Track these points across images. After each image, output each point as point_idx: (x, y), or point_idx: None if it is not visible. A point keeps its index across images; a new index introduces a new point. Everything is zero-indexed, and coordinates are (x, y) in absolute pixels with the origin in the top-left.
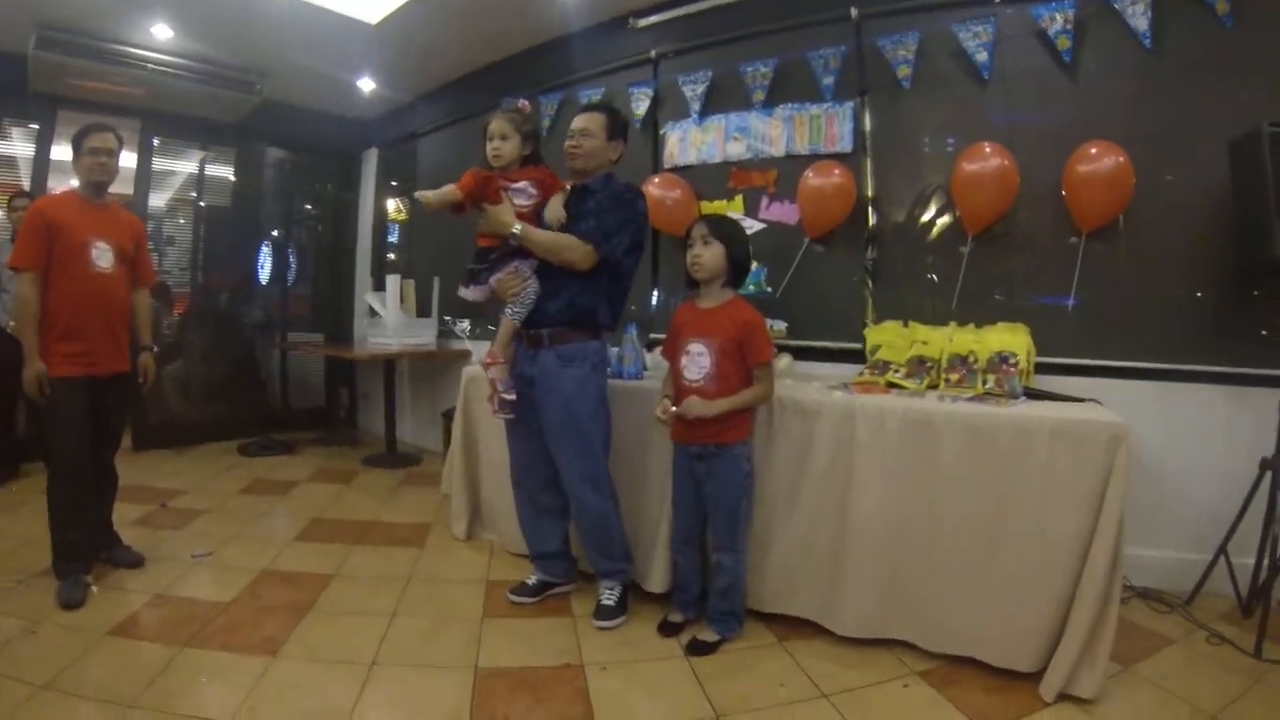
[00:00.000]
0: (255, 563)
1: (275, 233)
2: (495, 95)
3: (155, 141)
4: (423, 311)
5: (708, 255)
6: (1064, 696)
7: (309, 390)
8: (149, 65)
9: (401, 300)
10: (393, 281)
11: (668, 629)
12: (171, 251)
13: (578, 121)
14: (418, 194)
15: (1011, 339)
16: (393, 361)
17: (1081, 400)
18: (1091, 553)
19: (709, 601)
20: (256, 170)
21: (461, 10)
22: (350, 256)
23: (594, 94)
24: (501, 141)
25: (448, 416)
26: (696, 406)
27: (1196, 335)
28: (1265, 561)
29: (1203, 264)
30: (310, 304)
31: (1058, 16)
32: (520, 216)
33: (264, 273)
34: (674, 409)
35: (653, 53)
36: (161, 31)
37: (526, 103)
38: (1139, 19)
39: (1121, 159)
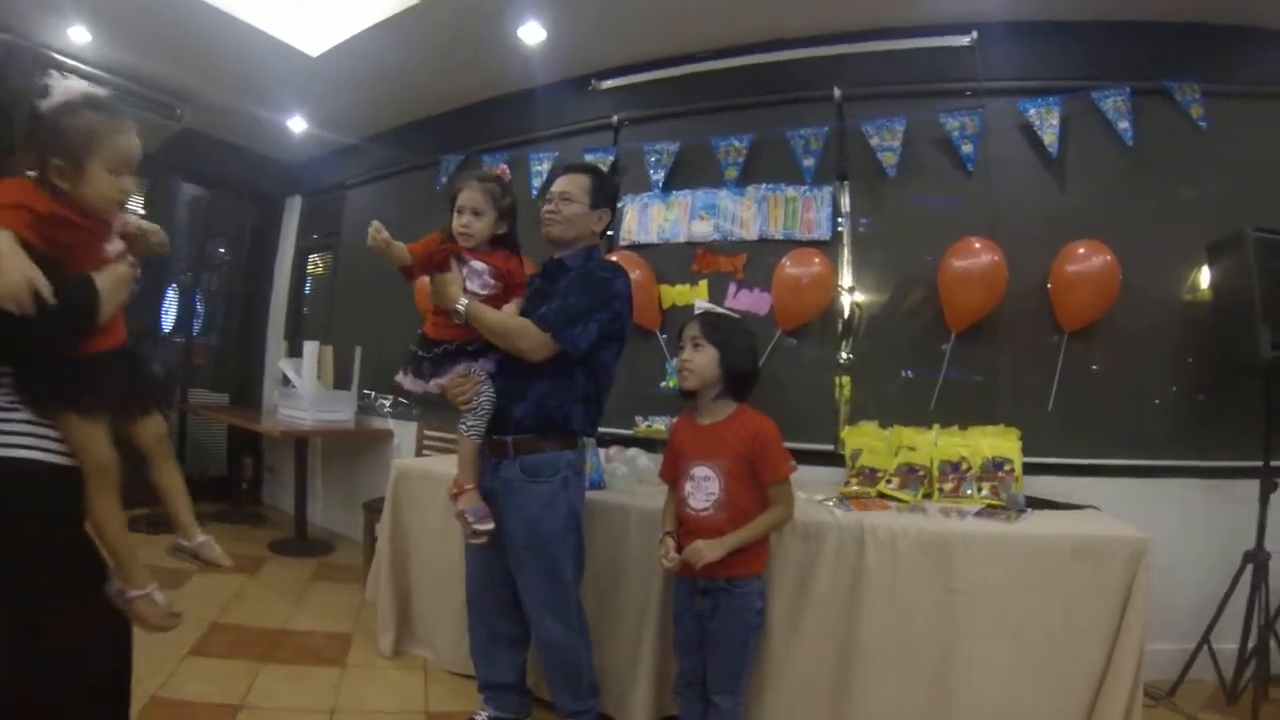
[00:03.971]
0: (141, 687)
1: (182, 276)
2: (437, 149)
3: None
4: (341, 383)
5: (698, 361)
6: None
7: (210, 456)
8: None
9: (319, 369)
10: (310, 349)
11: None
12: None
13: (558, 184)
14: (374, 223)
15: (1003, 443)
16: (305, 439)
17: (1082, 508)
18: (1111, 673)
19: None
20: (168, 206)
21: (412, 51)
22: (264, 311)
23: (545, 157)
24: (473, 217)
25: (371, 509)
26: (704, 552)
27: (1176, 431)
28: (1250, 650)
29: (1180, 362)
30: (216, 358)
31: (1044, 112)
32: None
33: (167, 319)
34: (678, 557)
35: (614, 118)
36: (79, 35)
37: (506, 169)
38: (1122, 119)
39: (1109, 258)
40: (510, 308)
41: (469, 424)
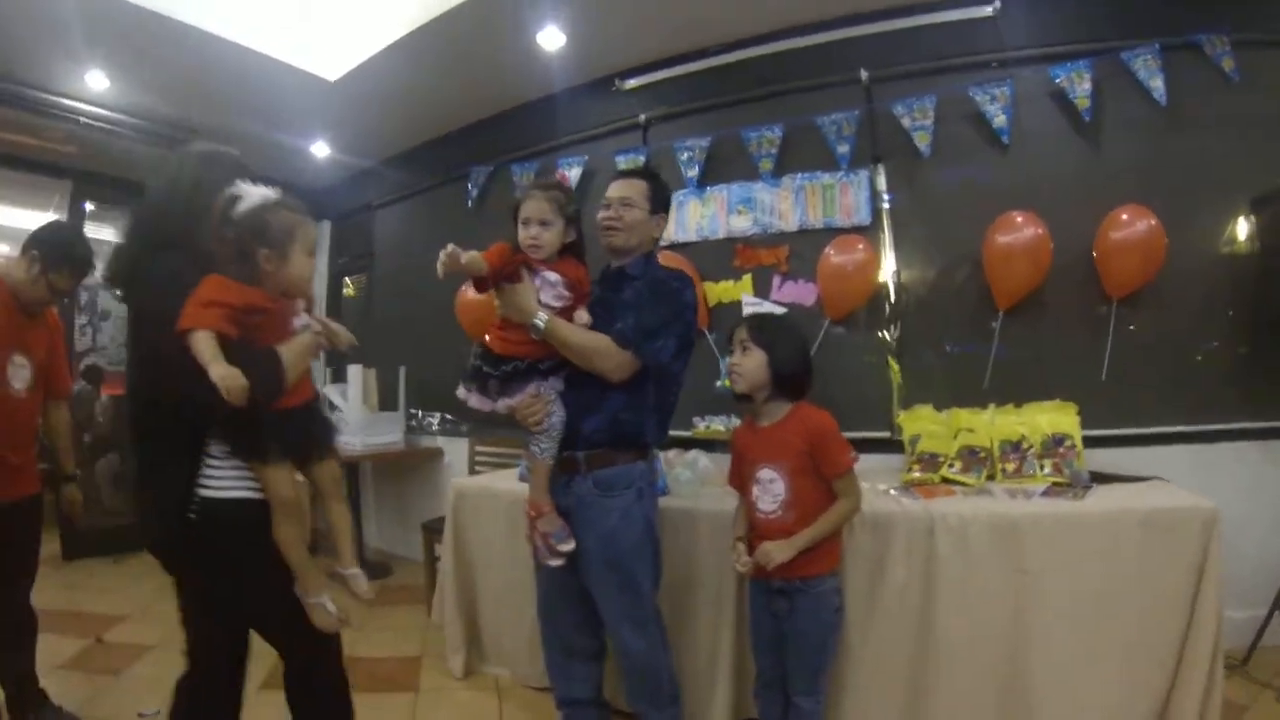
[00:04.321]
0: None
1: None
2: (465, 162)
3: (88, 206)
4: (386, 404)
5: (747, 365)
6: None
7: None
8: (82, 119)
9: (364, 392)
10: (355, 373)
11: None
12: (107, 327)
13: (616, 189)
14: (449, 247)
15: (1062, 419)
16: (355, 463)
17: (1147, 479)
18: (1190, 644)
19: None
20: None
21: (430, 68)
22: None
23: (575, 162)
24: (541, 228)
25: (430, 530)
26: (773, 554)
27: (1231, 393)
28: None
29: (1232, 321)
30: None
31: (1074, 78)
32: None
33: None
34: (750, 560)
35: (642, 117)
36: (97, 81)
37: (566, 174)
38: (1154, 78)
39: (1153, 222)
40: (581, 316)
41: (542, 446)
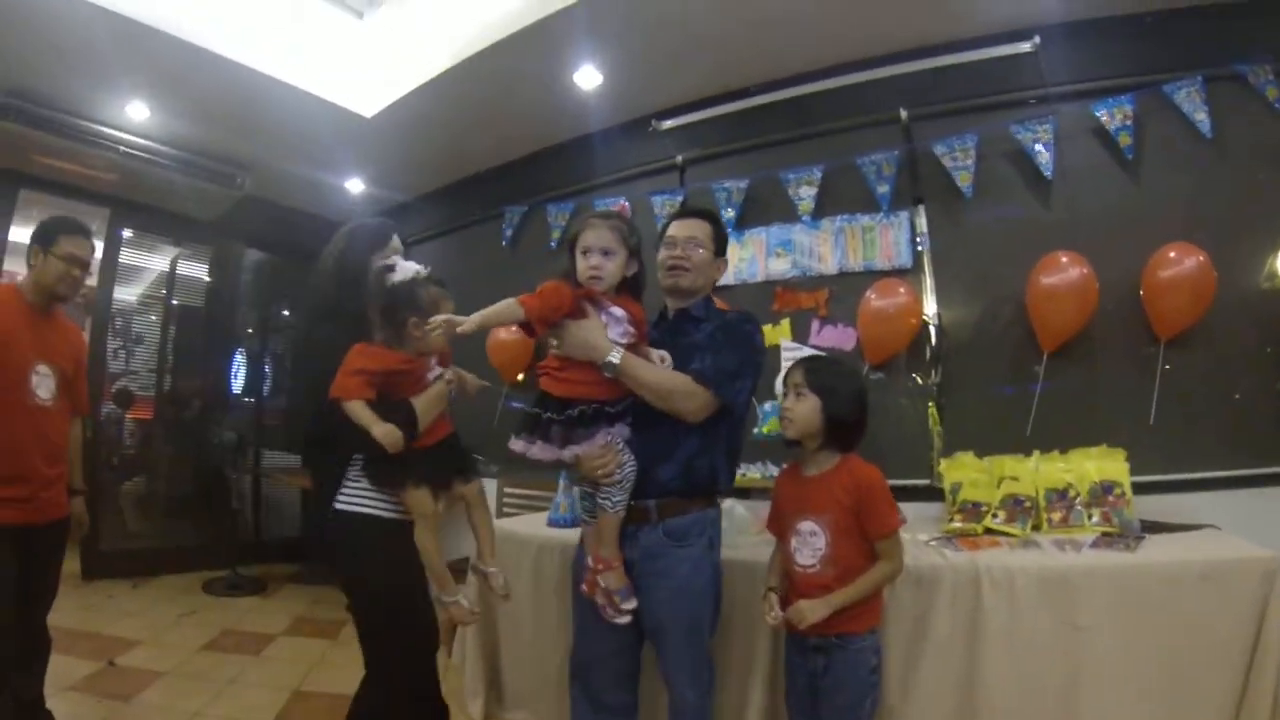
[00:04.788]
0: None
1: (250, 341)
2: (499, 201)
3: (125, 234)
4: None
5: (800, 410)
6: None
7: (285, 517)
8: (122, 148)
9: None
10: None
11: None
12: (139, 351)
13: (682, 228)
14: (463, 326)
15: (1109, 465)
16: None
17: (1200, 528)
18: (1248, 698)
19: None
20: (233, 271)
21: (466, 106)
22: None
23: (611, 203)
24: (603, 258)
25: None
26: (807, 613)
27: None
28: None
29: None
30: (287, 420)
31: (1116, 112)
32: None
33: (237, 383)
34: (780, 615)
35: (679, 158)
36: (138, 111)
37: (626, 205)
38: (1198, 110)
39: (1202, 259)
40: (660, 354)
41: (615, 500)
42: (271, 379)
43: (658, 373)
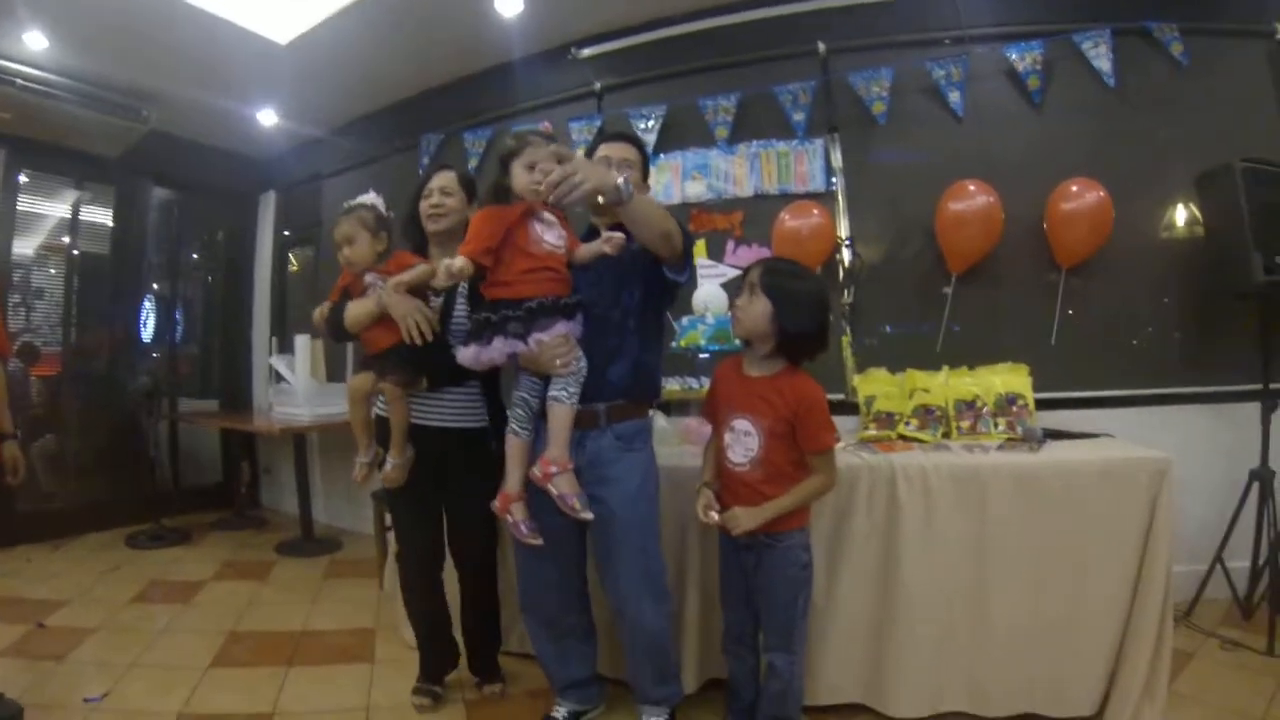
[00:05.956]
0: (167, 703)
1: (158, 285)
2: (415, 132)
3: (22, 178)
4: (334, 376)
5: (750, 311)
6: None
7: (203, 465)
8: (19, 81)
9: (311, 363)
10: (302, 343)
11: None
12: (40, 305)
13: (616, 150)
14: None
15: (1014, 380)
16: (303, 435)
17: (1096, 436)
18: (1142, 588)
19: (760, 707)
20: (139, 213)
21: (384, 33)
22: (246, 312)
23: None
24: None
25: (379, 497)
26: (743, 519)
27: (1176, 360)
28: (1262, 564)
29: (1176, 292)
30: (200, 366)
31: (1027, 56)
32: (554, 265)
33: (147, 331)
34: (716, 516)
35: (597, 85)
36: (36, 41)
37: (549, 125)
38: (1102, 60)
39: (1102, 194)
40: (608, 238)
41: (569, 390)
42: (183, 324)
43: (660, 208)
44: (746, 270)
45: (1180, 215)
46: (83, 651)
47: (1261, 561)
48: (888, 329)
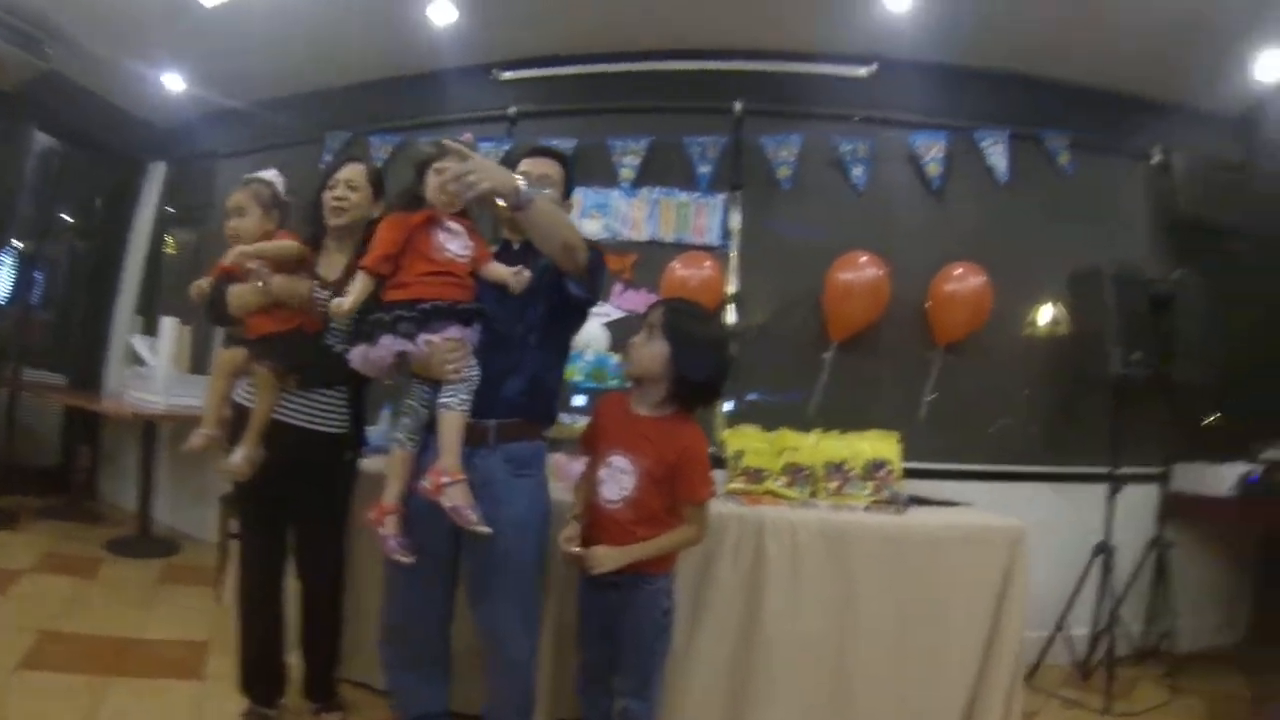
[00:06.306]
0: None
1: (22, 243)
2: (322, 126)
3: None
4: (198, 368)
5: (645, 352)
6: None
7: (40, 444)
8: None
9: (175, 350)
10: (169, 326)
11: None
12: None
13: (535, 165)
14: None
15: (883, 446)
16: (154, 424)
17: (957, 504)
18: (995, 648)
19: None
20: (16, 157)
21: (313, 17)
22: (112, 286)
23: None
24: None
25: (230, 503)
26: (604, 560)
27: (1034, 441)
28: (1101, 629)
29: (1040, 378)
30: (54, 336)
31: (931, 146)
32: (455, 271)
33: (1, 288)
34: (577, 552)
35: (512, 109)
36: None
37: (471, 136)
38: (998, 157)
39: (983, 280)
40: (495, 265)
41: (461, 397)
42: (43, 287)
43: (562, 214)
44: (649, 310)
45: (1050, 310)
46: None
47: (1101, 627)
48: (765, 388)
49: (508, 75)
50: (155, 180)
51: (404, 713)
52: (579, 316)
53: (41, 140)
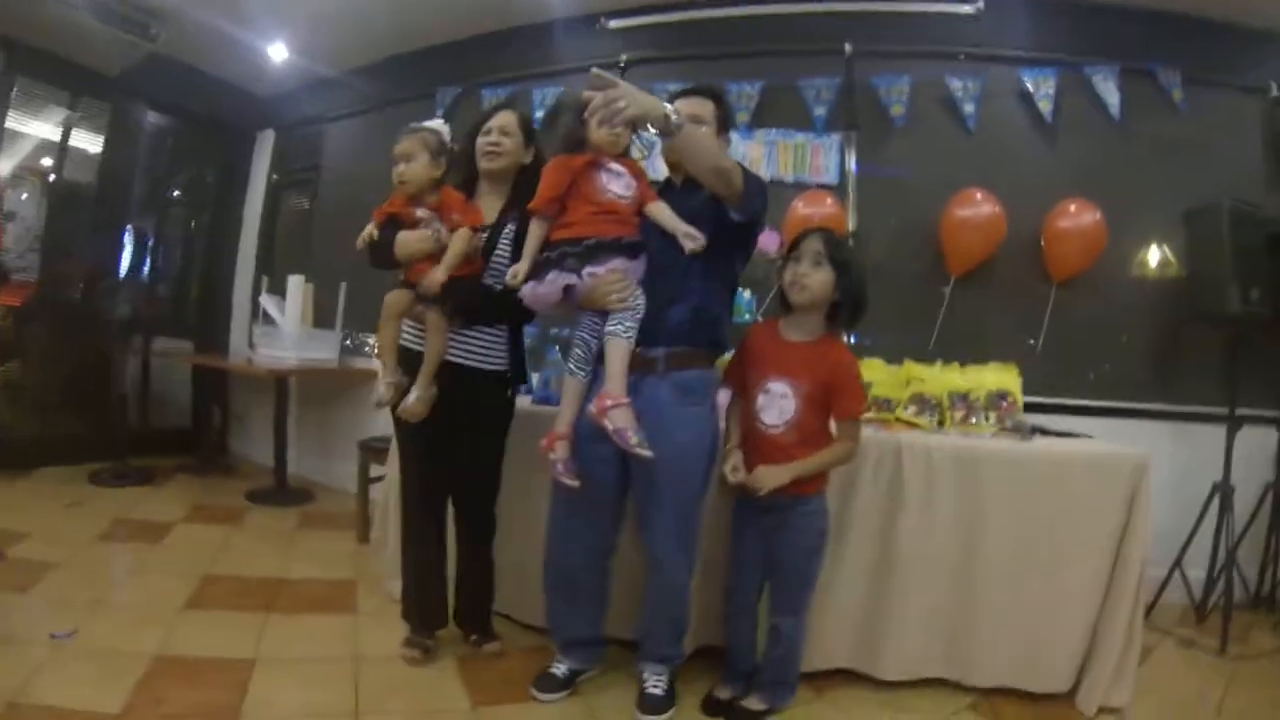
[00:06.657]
0: (141, 644)
1: (143, 217)
2: (428, 84)
3: (15, 92)
4: (322, 322)
5: (815, 279)
6: (1101, 709)
7: (172, 408)
8: None
9: (301, 308)
10: (296, 283)
11: (714, 706)
12: (13, 228)
13: (687, 105)
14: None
15: (1004, 377)
16: (286, 380)
17: (1079, 435)
18: (1118, 574)
19: (761, 670)
20: (131, 137)
21: None
22: (231, 252)
23: (548, 95)
24: (625, 130)
25: (368, 448)
26: (768, 479)
27: (1149, 379)
28: (1217, 572)
29: (1154, 315)
30: (178, 303)
31: (1041, 82)
32: (618, 210)
33: (125, 261)
34: (743, 475)
35: (623, 58)
36: None
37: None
38: (1111, 94)
39: (1097, 216)
40: (659, 206)
41: (625, 325)
42: (163, 260)
43: (715, 143)
44: (799, 240)
45: (1166, 244)
46: (48, 585)
47: (1218, 569)
48: (887, 322)
49: (615, 24)
50: (265, 147)
51: (561, 638)
52: (742, 245)
53: (153, 119)
